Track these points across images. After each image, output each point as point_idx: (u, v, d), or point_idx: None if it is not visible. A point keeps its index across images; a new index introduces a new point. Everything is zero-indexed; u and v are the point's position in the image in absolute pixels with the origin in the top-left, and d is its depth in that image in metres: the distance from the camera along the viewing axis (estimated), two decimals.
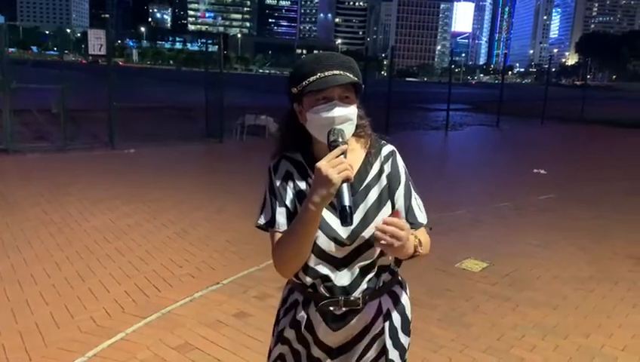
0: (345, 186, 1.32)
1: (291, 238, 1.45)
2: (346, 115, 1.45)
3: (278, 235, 1.50)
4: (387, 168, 1.56)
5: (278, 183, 1.54)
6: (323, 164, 1.33)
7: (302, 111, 1.49)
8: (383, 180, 1.55)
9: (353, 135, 1.56)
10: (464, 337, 3.61)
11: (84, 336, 3.40)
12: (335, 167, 1.32)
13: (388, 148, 1.60)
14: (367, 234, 1.48)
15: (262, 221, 1.56)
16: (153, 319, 3.66)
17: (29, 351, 3.20)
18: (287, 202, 1.51)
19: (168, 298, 4.01)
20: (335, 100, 1.44)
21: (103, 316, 3.69)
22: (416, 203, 1.57)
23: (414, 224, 1.53)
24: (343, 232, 1.48)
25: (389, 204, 1.53)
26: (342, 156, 1.35)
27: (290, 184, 1.53)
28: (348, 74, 1.45)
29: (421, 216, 1.56)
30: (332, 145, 1.39)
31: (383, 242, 1.32)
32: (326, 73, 1.43)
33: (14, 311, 3.71)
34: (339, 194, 1.32)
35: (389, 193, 1.54)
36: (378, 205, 1.51)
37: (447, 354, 3.38)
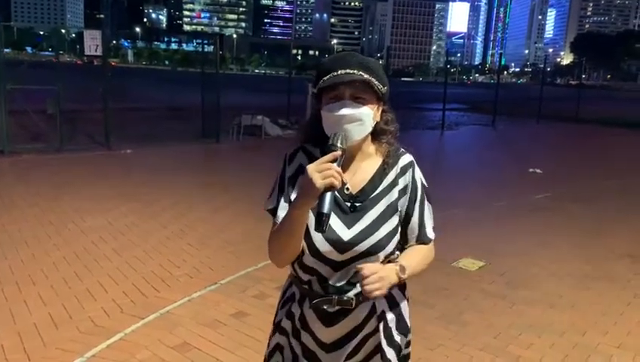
0: (328, 194, 1.31)
1: (279, 233, 1.48)
2: (355, 114, 1.44)
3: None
4: (402, 182, 1.56)
5: (288, 175, 1.56)
6: (310, 167, 1.33)
7: (320, 110, 1.51)
8: (394, 193, 1.55)
9: (374, 141, 1.56)
10: (461, 335, 3.63)
11: (83, 337, 3.41)
12: (321, 172, 1.31)
13: (406, 160, 1.59)
14: (369, 242, 1.48)
15: (268, 207, 1.58)
16: (152, 319, 3.67)
17: (28, 352, 3.20)
18: (293, 197, 1.52)
19: (166, 298, 4.02)
20: (345, 99, 1.44)
21: (102, 316, 3.69)
22: (430, 217, 1.60)
23: (421, 238, 1.58)
24: (344, 235, 1.48)
25: (397, 217, 1.54)
26: (334, 163, 1.33)
27: (300, 179, 1.53)
28: (362, 73, 1.44)
29: (431, 233, 1.60)
30: (328, 149, 1.37)
31: (377, 293, 1.40)
32: (339, 72, 1.44)
33: (13, 311, 3.71)
34: (320, 199, 1.31)
35: (402, 206, 1.55)
36: (385, 216, 1.52)
37: (444, 353, 3.40)
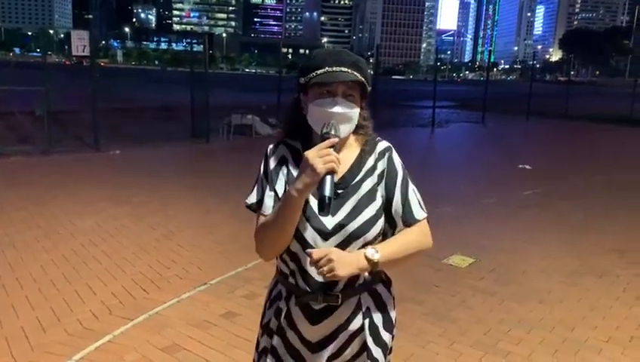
0: (328, 177, 1.35)
1: (273, 223, 1.48)
2: (346, 113, 1.47)
3: (263, 218, 1.53)
4: (381, 166, 1.58)
5: (272, 167, 1.57)
6: (310, 153, 1.37)
7: (305, 102, 1.52)
8: (375, 177, 1.57)
9: (353, 133, 1.59)
10: (451, 332, 3.64)
11: (71, 339, 3.39)
12: (322, 157, 1.35)
13: (383, 145, 1.62)
14: (351, 227, 1.50)
15: (251, 200, 1.58)
16: (140, 320, 3.65)
17: (15, 356, 3.17)
18: (278, 187, 1.54)
19: (156, 299, 3.99)
20: (338, 96, 1.47)
21: (90, 318, 3.67)
22: (415, 197, 1.59)
23: (408, 220, 1.55)
24: (328, 222, 1.50)
25: (379, 201, 1.55)
26: (331, 149, 1.38)
27: (284, 169, 1.56)
28: (356, 73, 1.47)
29: (418, 213, 1.57)
30: (324, 137, 1.42)
31: (328, 275, 1.41)
32: (334, 68, 1.46)
33: (0, 316, 3.67)
34: (321, 184, 1.36)
35: (382, 190, 1.56)
36: (367, 201, 1.53)
37: (434, 350, 3.41)
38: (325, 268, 1.40)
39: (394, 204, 1.56)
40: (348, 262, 1.43)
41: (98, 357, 3.18)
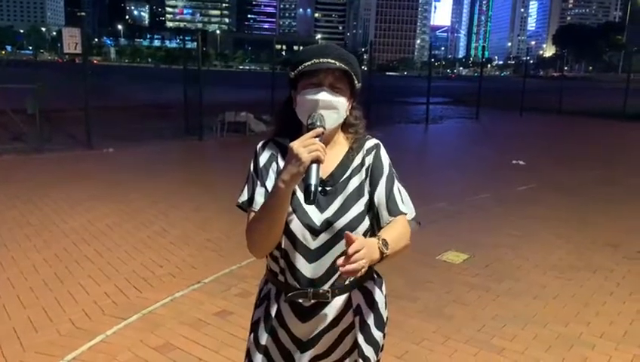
0: (314, 166, 1.34)
1: (262, 216, 1.47)
2: (331, 101, 1.47)
3: (253, 214, 1.52)
4: (368, 161, 1.59)
5: (261, 164, 1.57)
6: (295, 143, 1.36)
7: (295, 97, 1.53)
8: (363, 173, 1.57)
9: (343, 132, 1.59)
10: (445, 329, 3.63)
11: (64, 339, 3.36)
12: (306, 147, 1.34)
13: (372, 142, 1.63)
14: (340, 223, 1.49)
15: (242, 199, 1.57)
16: (134, 320, 3.63)
17: (6, 357, 3.14)
18: (268, 183, 1.53)
19: (149, 298, 3.97)
20: (324, 86, 1.47)
21: (83, 318, 3.64)
22: (399, 193, 1.58)
23: (393, 211, 1.54)
24: (317, 219, 1.49)
25: (366, 197, 1.55)
26: (316, 139, 1.37)
27: (274, 166, 1.56)
28: (342, 65, 1.48)
29: (402, 206, 1.56)
30: (309, 128, 1.42)
31: (360, 273, 1.30)
32: (321, 60, 1.47)
33: None
34: (307, 173, 1.34)
35: (368, 185, 1.56)
36: (356, 196, 1.53)
37: (428, 346, 3.40)
38: (362, 262, 1.28)
39: (377, 195, 1.55)
40: (371, 253, 1.34)
41: (91, 357, 3.16)
